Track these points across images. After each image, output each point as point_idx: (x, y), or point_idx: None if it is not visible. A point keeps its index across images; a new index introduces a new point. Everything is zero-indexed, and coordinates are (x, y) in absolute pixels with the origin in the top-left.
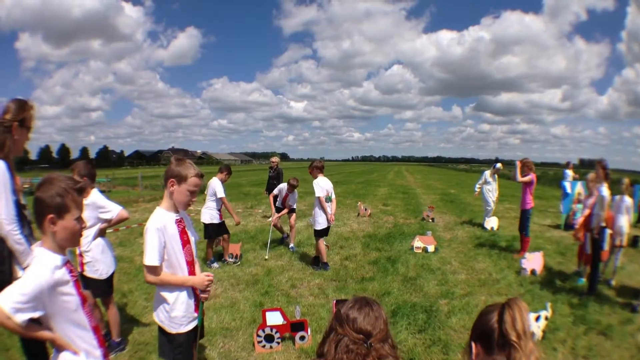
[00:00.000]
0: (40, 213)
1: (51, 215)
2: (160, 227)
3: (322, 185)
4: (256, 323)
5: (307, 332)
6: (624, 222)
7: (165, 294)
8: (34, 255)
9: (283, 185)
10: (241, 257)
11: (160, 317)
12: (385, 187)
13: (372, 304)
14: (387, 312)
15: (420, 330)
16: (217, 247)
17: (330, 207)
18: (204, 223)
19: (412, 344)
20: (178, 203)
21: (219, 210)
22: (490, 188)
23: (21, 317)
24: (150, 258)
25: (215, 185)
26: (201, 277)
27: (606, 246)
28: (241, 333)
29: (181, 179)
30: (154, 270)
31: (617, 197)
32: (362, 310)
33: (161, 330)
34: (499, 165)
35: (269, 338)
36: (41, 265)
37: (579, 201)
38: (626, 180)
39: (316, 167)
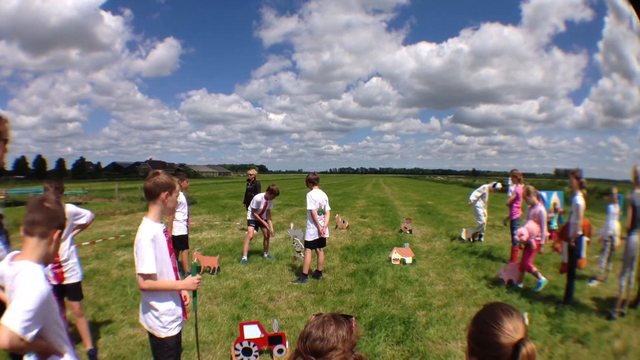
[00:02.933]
0: (52, 226)
1: (59, 231)
2: (153, 238)
3: (315, 198)
4: (234, 336)
5: (285, 345)
6: (615, 226)
7: (153, 302)
8: (18, 269)
9: (260, 197)
10: (219, 270)
11: (149, 323)
12: (363, 199)
13: (329, 322)
14: (365, 324)
15: (399, 341)
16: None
17: (324, 219)
18: (172, 235)
19: (391, 355)
20: (169, 210)
21: (186, 221)
22: (483, 204)
23: (30, 335)
24: (148, 267)
25: None
26: (191, 279)
27: (584, 254)
28: (219, 347)
29: (172, 189)
30: (150, 277)
31: (611, 205)
32: (319, 328)
33: (151, 336)
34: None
35: (247, 351)
36: (36, 278)
37: (555, 210)
38: (615, 190)
39: (309, 179)
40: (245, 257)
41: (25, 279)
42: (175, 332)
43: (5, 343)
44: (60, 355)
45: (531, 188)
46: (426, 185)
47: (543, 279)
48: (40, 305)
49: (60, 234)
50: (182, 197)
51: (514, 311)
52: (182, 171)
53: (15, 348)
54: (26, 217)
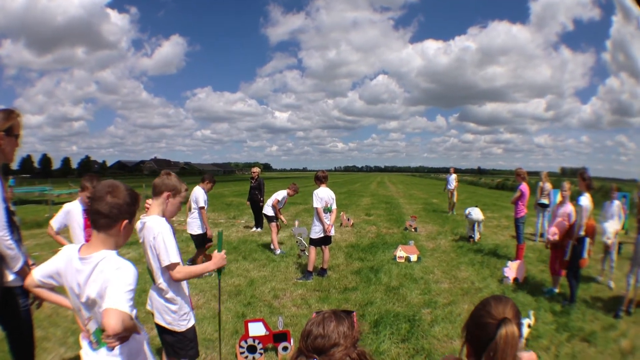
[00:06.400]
0: (119, 218)
1: (126, 221)
2: (170, 230)
3: (321, 196)
4: (238, 334)
5: (290, 343)
6: (609, 224)
7: (171, 295)
8: (99, 258)
9: (284, 193)
10: (223, 268)
11: (167, 319)
12: (368, 197)
13: (329, 319)
14: (370, 322)
15: (404, 339)
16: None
17: (330, 218)
18: (191, 234)
19: (396, 353)
20: (169, 213)
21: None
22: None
23: (134, 312)
24: (175, 256)
25: (198, 194)
26: (219, 256)
27: (586, 254)
28: (223, 344)
29: (176, 192)
30: (176, 266)
31: (607, 202)
32: (319, 325)
33: (168, 332)
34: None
35: (252, 349)
36: (121, 260)
37: None
38: (614, 186)
39: (317, 177)
40: (279, 250)
41: (113, 262)
42: (192, 322)
43: (118, 326)
44: (138, 332)
45: (566, 184)
46: (431, 184)
47: (556, 290)
48: (136, 283)
49: (130, 222)
50: (202, 196)
51: (505, 299)
52: (210, 174)
53: (128, 329)
54: (91, 208)
